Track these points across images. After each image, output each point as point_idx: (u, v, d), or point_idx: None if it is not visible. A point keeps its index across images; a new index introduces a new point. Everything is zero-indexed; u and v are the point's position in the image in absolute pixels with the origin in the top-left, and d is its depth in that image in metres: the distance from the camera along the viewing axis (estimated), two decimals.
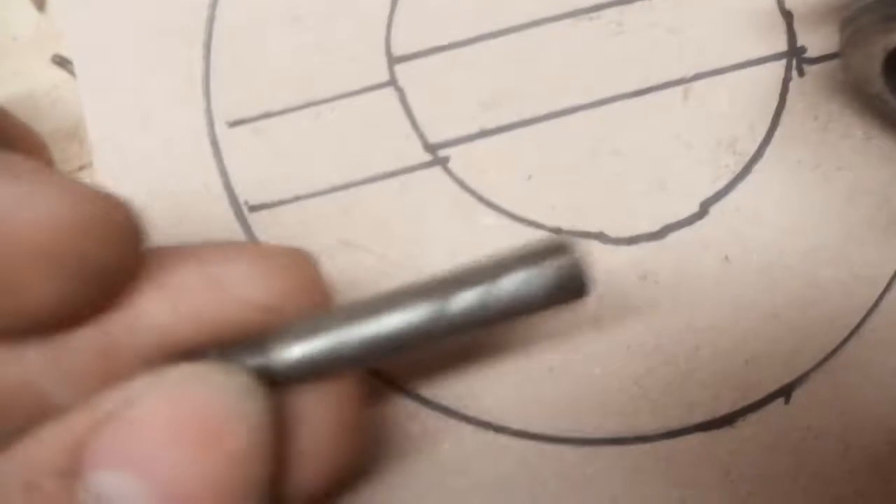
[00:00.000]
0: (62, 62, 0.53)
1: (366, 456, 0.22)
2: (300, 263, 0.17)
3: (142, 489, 0.13)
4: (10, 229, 0.14)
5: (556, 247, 0.16)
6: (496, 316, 0.16)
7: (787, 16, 0.25)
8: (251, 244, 0.18)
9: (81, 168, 0.55)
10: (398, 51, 0.24)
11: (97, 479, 0.13)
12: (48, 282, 0.14)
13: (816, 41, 0.25)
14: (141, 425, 0.13)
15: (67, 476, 0.13)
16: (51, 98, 0.57)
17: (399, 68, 0.24)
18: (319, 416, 0.16)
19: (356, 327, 0.16)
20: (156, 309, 0.15)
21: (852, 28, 0.22)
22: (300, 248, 0.17)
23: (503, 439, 0.22)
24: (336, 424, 0.16)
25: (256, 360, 0.15)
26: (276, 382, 0.15)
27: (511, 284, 0.16)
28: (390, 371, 0.22)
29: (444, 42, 0.24)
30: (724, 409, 0.23)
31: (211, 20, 0.24)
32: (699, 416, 0.23)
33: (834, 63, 0.25)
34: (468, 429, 0.22)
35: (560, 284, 0.16)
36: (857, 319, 0.23)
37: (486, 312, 0.16)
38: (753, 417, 0.23)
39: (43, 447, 0.13)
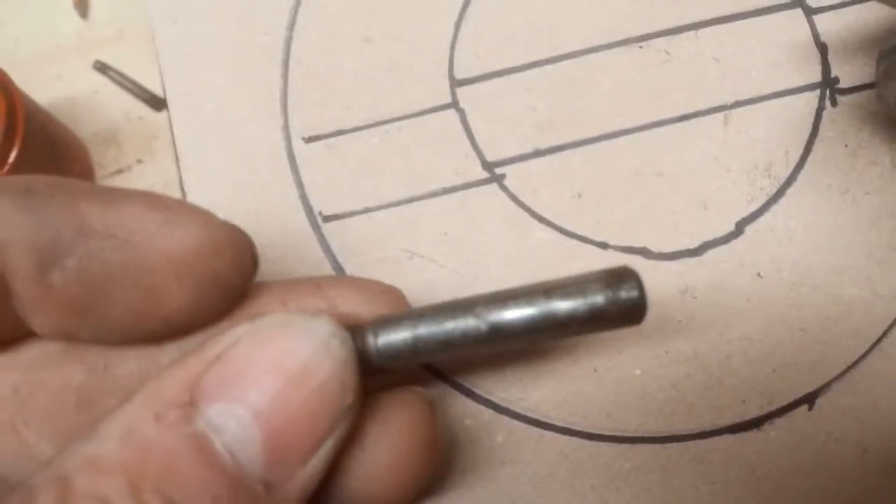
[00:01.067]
0: (103, 68, 0.55)
1: (439, 472, 0.24)
2: (394, 294, 0.20)
3: (245, 417, 0.15)
4: (160, 246, 0.17)
5: (620, 275, 0.18)
6: (557, 332, 0.18)
7: (822, 48, 0.27)
8: (359, 278, 0.21)
9: (119, 171, 0.57)
10: (460, 74, 0.26)
11: (209, 410, 0.15)
12: (186, 291, 0.17)
13: (849, 73, 0.27)
14: (240, 364, 0.16)
15: (187, 408, 0.15)
16: (91, 103, 0.59)
17: (461, 91, 0.26)
18: (400, 433, 0.19)
19: (430, 325, 0.18)
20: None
21: (888, 62, 0.24)
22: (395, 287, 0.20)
23: (549, 435, 0.25)
24: (415, 442, 0.19)
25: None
26: (369, 368, 0.18)
27: (574, 305, 0.18)
28: (452, 372, 0.24)
29: (503, 67, 0.26)
30: (752, 414, 0.25)
31: (289, 41, 0.26)
32: (729, 419, 0.25)
33: (865, 93, 0.26)
34: (518, 424, 0.25)
35: (621, 309, 0.18)
36: (878, 334, 0.25)
37: (549, 327, 0.18)
38: (779, 422, 0.25)
39: (167, 385, 0.16)
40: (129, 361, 0.18)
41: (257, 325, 0.16)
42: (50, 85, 0.57)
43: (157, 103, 0.57)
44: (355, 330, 0.18)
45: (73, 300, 0.17)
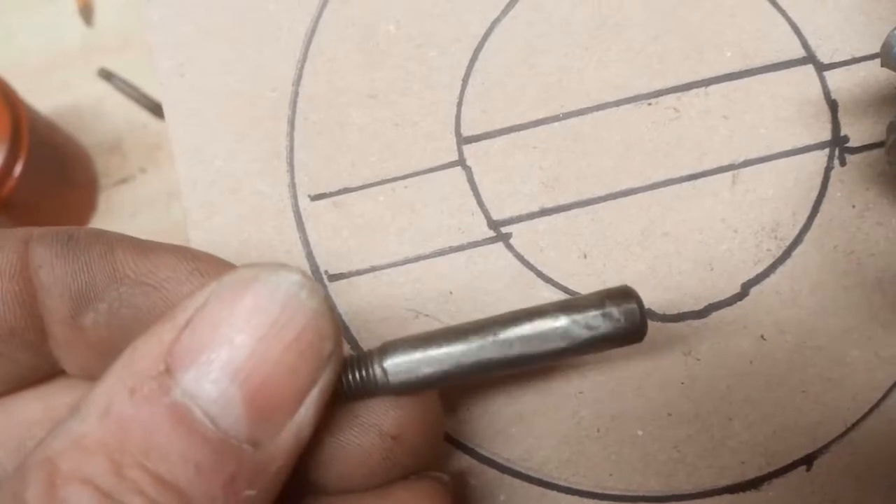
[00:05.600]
0: (107, 76, 0.55)
1: None
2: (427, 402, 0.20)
3: (222, 380, 0.15)
4: (186, 292, 0.17)
5: (621, 294, 0.19)
6: (559, 351, 0.19)
7: (833, 105, 0.26)
8: None
9: (123, 181, 0.57)
10: (467, 131, 0.26)
11: (185, 377, 0.15)
12: None
13: (858, 131, 0.26)
14: (211, 326, 0.16)
15: (162, 378, 0.15)
16: (95, 111, 0.59)
17: (467, 148, 0.26)
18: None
19: (439, 349, 0.19)
20: None
21: None
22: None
23: (551, 494, 0.25)
24: None
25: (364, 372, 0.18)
26: (377, 391, 0.18)
27: (580, 323, 0.19)
28: (457, 433, 0.25)
29: (510, 124, 0.26)
30: (751, 474, 0.25)
31: (295, 97, 0.26)
32: (729, 480, 0.25)
33: (874, 153, 0.26)
34: (521, 484, 0.25)
35: (623, 327, 0.19)
36: (879, 396, 0.25)
37: (550, 347, 0.19)
38: (777, 482, 0.25)
39: (140, 357, 0.16)
40: None
41: (223, 283, 0.16)
42: (55, 92, 0.56)
43: (161, 112, 0.56)
44: (364, 353, 0.18)
45: (102, 342, 0.18)
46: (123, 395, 0.15)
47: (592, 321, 0.19)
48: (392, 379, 0.18)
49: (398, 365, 0.18)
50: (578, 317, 0.19)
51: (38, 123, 0.51)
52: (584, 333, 0.19)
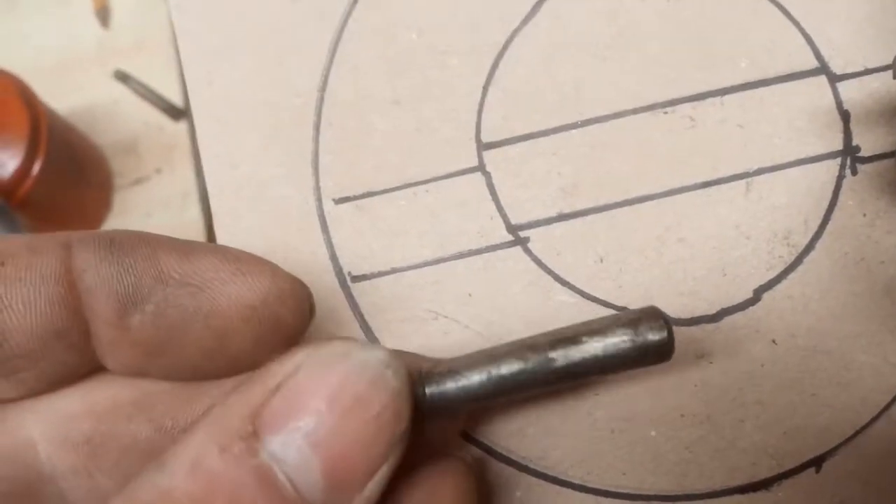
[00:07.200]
0: (123, 78, 0.56)
1: None
2: None
3: (305, 447, 0.16)
4: (231, 292, 0.18)
5: (649, 316, 0.19)
6: (593, 372, 0.20)
7: (845, 115, 0.27)
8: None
9: (138, 181, 0.58)
10: (487, 137, 0.27)
11: (272, 441, 0.16)
12: (251, 335, 0.19)
13: (870, 140, 0.27)
14: (300, 394, 0.17)
15: (250, 439, 0.16)
16: (110, 112, 0.60)
17: (487, 154, 0.26)
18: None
19: (478, 371, 0.20)
20: None
21: None
22: None
23: (566, 492, 0.26)
24: None
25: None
26: (418, 416, 0.19)
27: (608, 345, 0.19)
28: (476, 432, 0.25)
29: (530, 131, 0.27)
30: (761, 475, 0.26)
31: (320, 103, 0.26)
32: (739, 480, 0.26)
33: (885, 162, 0.27)
34: (536, 481, 0.26)
35: (651, 348, 0.19)
36: (887, 400, 0.26)
37: (586, 367, 0.20)
38: (787, 483, 0.26)
39: (230, 416, 0.17)
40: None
41: (316, 355, 0.17)
42: (71, 94, 0.57)
43: (176, 113, 0.57)
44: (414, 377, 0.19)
45: (148, 341, 0.19)
46: (213, 451, 0.16)
47: (622, 344, 0.19)
48: (430, 406, 0.19)
49: (436, 395, 0.19)
50: (608, 340, 0.19)
51: (55, 124, 0.51)
52: (614, 356, 0.19)
